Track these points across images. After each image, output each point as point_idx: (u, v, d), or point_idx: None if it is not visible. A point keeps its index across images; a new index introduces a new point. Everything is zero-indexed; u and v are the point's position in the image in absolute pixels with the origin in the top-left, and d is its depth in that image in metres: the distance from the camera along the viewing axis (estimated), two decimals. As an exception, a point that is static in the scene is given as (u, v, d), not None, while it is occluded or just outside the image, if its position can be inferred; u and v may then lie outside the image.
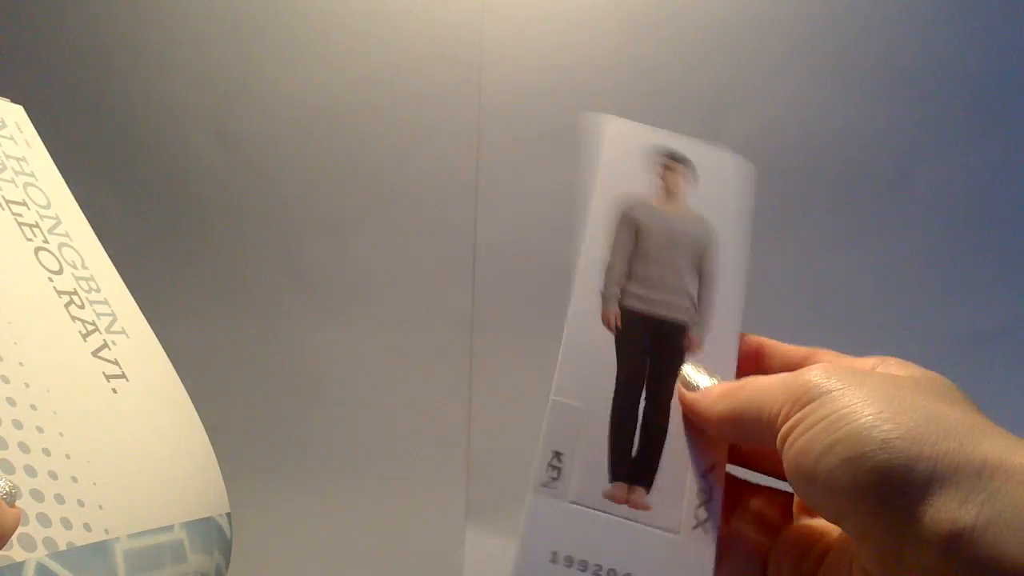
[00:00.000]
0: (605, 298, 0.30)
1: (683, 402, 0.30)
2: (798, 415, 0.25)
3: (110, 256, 0.42)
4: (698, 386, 0.29)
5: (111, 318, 0.40)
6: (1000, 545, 0.20)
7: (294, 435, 0.69)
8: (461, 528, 0.67)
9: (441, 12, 0.66)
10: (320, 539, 0.68)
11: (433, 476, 0.68)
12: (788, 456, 0.25)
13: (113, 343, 0.39)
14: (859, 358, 0.29)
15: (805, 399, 0.25)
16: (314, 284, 0.69)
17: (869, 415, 0.23)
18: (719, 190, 0.32)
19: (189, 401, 0.42)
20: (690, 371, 0.30)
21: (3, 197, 0.38)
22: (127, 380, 0.38)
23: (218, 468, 0.42)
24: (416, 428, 0.68)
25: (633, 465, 0.28)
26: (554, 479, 0.28)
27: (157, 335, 0.43)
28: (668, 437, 0.29)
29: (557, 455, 0.28)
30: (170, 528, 0.36)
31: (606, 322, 0.30)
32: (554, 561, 0.27)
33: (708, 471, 0.28)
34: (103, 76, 0.69)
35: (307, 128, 0.69)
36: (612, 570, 0.27)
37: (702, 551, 0.27)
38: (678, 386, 0.30)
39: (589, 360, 0.29)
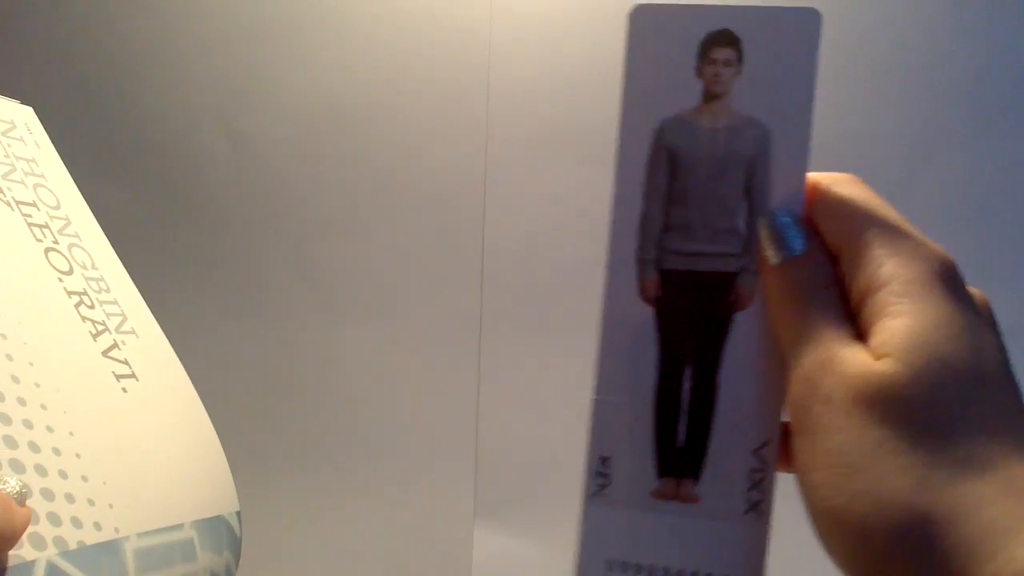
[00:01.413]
0: (642, 263, 0.28)
1: (764, 270, 0.27)
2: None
3: (120, 256, 0.43)
4: (791, 250, 0.26)
5: (121, 318, 0.40)
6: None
7: (303, 434, 0.69)
8: (469, 526, 0.67)
9: (450, 13, 0.66)
10: (329, 537, 0.68)
11: (441, 475, 0.68)
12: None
13: (123, 343, 0.39)
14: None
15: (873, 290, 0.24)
16: (322, 283, 0.69)
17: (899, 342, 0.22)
18: (774, 65, 0.27)
19: (199, 400, 0.42)
20: (782, 222, 0.26)
21: (13, 198, 0.38)
22: (137, 380, 0.38)
23: (228, 467, 0.42)
24: (425, 427, 0.68)
25: (680, 456, 0.27)
26: (602, 487, 0.27)
27: (167, 335, 0.43)
28: (717, 415, 0.27)
29: (603, 460, 0.27)
30: (180, 527, 0.36)
31: (644, 294, 0.28)
32: (611, 570, 0.27)
33: (760, 448, 0.27)
34: (113, 77, 0.70)
35: (317, 129, 0.69)
36: (667, 568, 0.27)
37: (754, 534, 0.26)
38: (762, 254, 0.27)
39: (628, 345, 0.28)
